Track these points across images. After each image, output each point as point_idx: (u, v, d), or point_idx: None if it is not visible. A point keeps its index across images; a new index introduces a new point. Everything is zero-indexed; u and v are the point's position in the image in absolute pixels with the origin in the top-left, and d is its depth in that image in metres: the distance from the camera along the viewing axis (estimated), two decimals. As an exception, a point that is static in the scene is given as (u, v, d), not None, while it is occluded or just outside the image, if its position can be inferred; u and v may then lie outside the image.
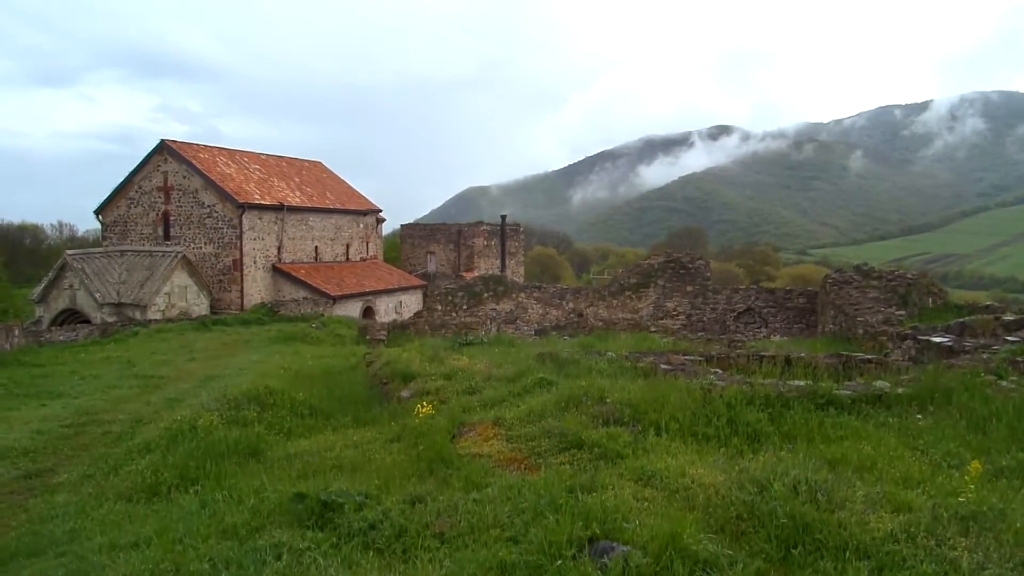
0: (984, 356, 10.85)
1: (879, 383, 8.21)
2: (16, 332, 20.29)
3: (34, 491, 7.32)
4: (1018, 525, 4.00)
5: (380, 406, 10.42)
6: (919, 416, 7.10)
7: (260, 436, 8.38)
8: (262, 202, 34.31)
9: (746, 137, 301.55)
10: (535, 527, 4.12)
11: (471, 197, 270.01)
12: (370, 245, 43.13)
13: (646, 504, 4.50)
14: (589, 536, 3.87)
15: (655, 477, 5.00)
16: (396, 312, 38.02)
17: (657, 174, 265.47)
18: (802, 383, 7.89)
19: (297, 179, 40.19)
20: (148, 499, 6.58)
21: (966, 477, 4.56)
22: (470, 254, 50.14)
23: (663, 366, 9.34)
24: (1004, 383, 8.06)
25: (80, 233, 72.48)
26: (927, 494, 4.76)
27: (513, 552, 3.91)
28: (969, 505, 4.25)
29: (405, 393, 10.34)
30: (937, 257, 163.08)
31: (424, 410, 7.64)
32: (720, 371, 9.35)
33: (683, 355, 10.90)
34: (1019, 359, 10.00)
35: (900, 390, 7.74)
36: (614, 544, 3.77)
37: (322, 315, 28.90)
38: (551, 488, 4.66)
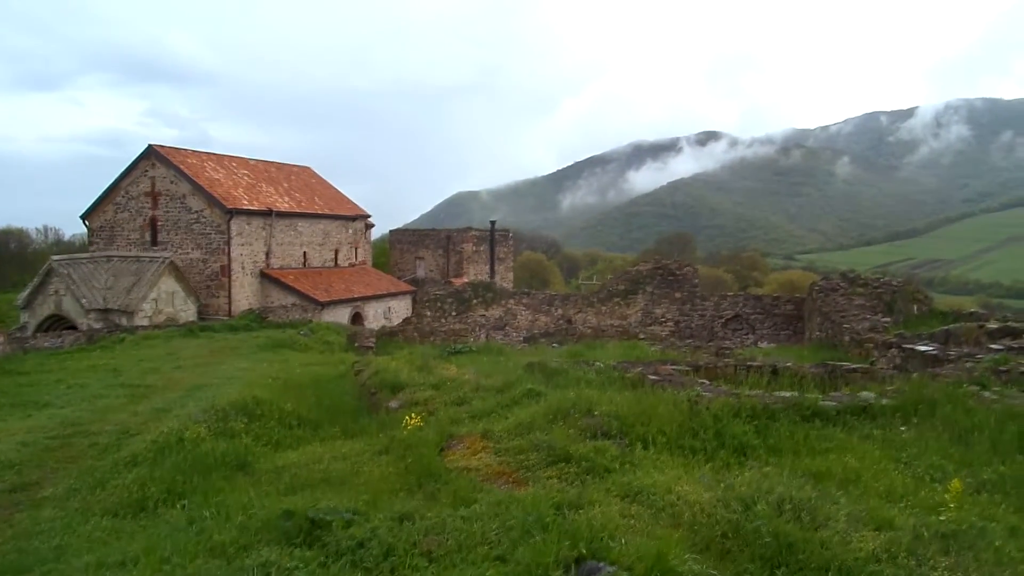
0: (968, 365, 10.94)
1: (864, 394, 8.28)
2: (1, 340, 20.12)
3: (20, 506, 7.24)
4: (998, 544, 4.06)
5: (368, 416, 10.41)
6: (903, 428, 7.16)
7: (248, 448, 8.35)
8: (250, 207, 34.19)
9: (734, 143, 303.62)
10: (523, 546, 4.14)
11: (461, 202, 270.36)
12: (359, 250, 43.06)
13: (632, 522, 4.52)
14: (576, 556, 3.89)
15: (642, 494, 5.03)
16: (385, 318, 37.95)
17: (646, 179, 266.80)
18: (788, 394, 7.95)
19: (286, 184, 40.09)
20: (135, 514, 6.54)
21: (947, 494, 4.62)
22: (459, 260, 50.16)
23: (651, 377, 9.38)
24: (987, 394, 8.14)
25: (66, 238, 71.92)
26: (910, 509, 4.82)
27: (501, 572, 3.93)
28: (950, 523, 4.31)
29: (394, 404, 10.33)
30: (923, 262, 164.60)
31: (413, 421, 7.64)
32: (707, 382, 9.40)
33: (671, 365, 10.96)
34: (1002, 368, 10.11)
35: (885, 401, 7.81)
36: (601, 564, 3.80)
37: (310, 321, 28.81)
38: (539, 505, 4.68)
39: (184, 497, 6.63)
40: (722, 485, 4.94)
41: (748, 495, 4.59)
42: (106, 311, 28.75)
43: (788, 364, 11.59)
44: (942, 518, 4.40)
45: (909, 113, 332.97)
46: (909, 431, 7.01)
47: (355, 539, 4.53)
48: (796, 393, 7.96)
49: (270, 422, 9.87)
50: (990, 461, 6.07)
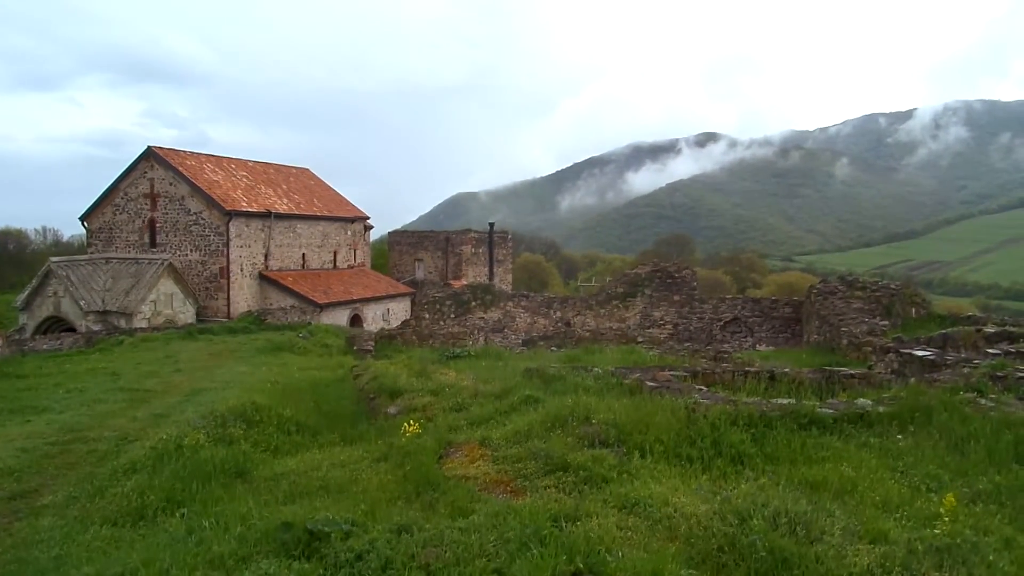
0: (965, 371, 10.97)
1: (861, 401, 8.30)
2: (-1, 343, 20.12)
3: (19, 514, 7.23)
4: (991, 558, 4.08)
5: (367, 422, 10.43)
6: (900, 436, 7.17)
7: (247, 455, 8.36)
8: (249, 209, 34.21)
9: (733, 144, 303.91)
10: (520, 559, 4.15)
11: (460, 203, 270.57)
12: (358, 252, 43.06)
13: (629, 534, 4.54)
14: (573, 570, 3.91)
15: (639, 505, 5.04)
16: (384, 320, 37.96)
17: (645, 181, 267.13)
18: (785, 401, 7.96)
19: (284, 186, 40.10)
20: (134, 523, 6.54)
21: (941, 508, 4.63)
22: (458, 262, 50.16)
23: (649, 383, 9.39)
24: (984, 401, 8.16)
25: (65, 238, 71.88)
26: (905, 520, 4.84)
27: (498, 585, 3.94)
28: (944, 537, 4.32)
29: (392, 410, 10.35)
30: (921, 264, 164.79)
31: (411, 428, 7.64)
32: (705, 388, 9.41)
33: (668, 370, 10.97)
34: (999, 374, 10.13)
35: (882, 408, 7.82)
36: (597, 579, 3.82)
37: (309, 323, 28.83)
38: (536, 517, 4.69)
39: (183, 505, 6.64)
40: (718, 497, 4.95)
41: (744, 508, 4.60)
42: (105, 313, 28.75)
43: (786, 369, 11.60)
44: (936, 531, 4.42)
45: (908, 115, 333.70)
46: (906, 439, 7.02)
47: (354, 551, 4.54)
48: (793, 400, 7.97)
49: (269, 428, 9.88)
50: (986, 470, 6.09)
